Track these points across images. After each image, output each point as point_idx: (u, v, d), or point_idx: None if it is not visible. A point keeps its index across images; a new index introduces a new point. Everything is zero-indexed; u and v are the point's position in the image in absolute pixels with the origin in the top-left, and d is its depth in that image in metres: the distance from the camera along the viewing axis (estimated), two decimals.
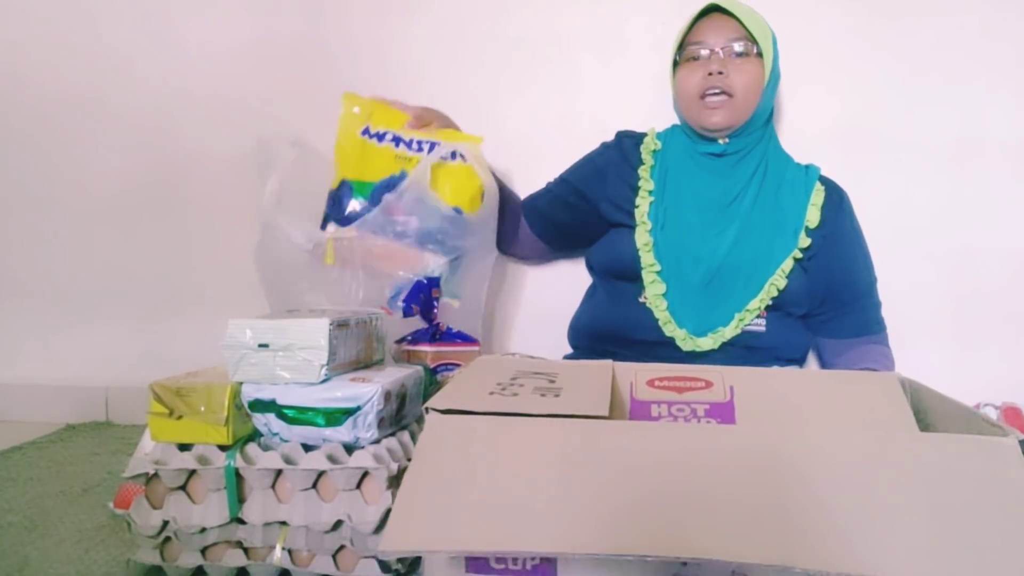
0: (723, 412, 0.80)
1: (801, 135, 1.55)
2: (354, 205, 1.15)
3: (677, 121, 1.32)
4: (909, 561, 0.55)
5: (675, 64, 1.21)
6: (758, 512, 0.58)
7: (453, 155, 1.15)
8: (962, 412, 0.72)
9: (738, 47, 1.14)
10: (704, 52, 1.16)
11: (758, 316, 1.16)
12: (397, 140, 1.17)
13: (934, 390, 0.81)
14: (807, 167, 1.27)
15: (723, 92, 1.14)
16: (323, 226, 1.17)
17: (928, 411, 0.79)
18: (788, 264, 1.16)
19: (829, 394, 0.84)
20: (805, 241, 1.18)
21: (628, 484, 0.61)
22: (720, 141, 1.20)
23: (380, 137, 1.17)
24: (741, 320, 1.15)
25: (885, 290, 1.39)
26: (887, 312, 1.33)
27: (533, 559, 0.62)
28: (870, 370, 1.05)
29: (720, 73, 1.13)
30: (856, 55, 1.54)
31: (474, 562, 0.63)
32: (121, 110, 1.81)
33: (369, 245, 1.11)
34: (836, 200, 1.23)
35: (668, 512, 0.58)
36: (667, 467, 0.62)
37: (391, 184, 1.12)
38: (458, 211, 1.12)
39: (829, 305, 1.22)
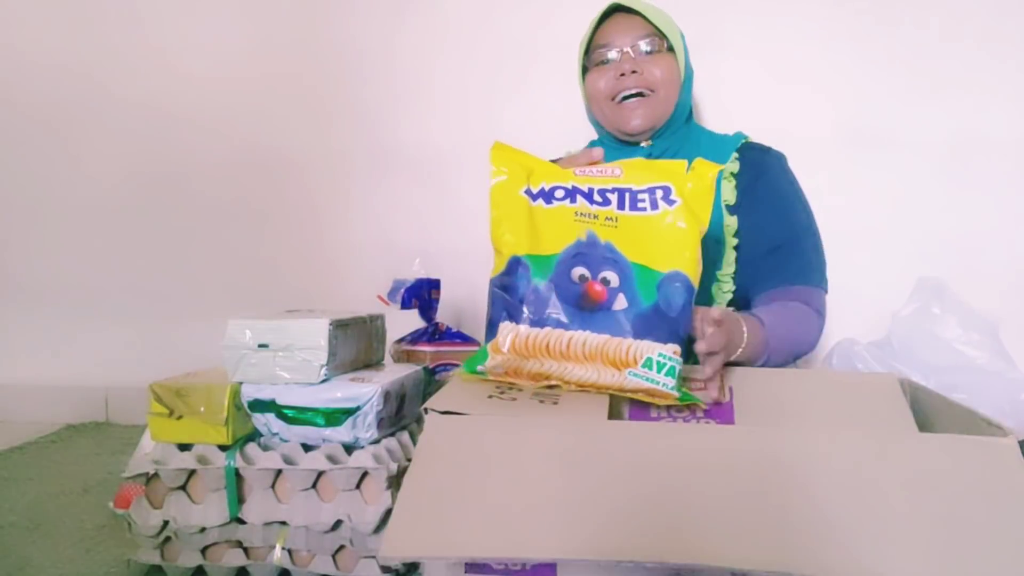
0: (722, 413, 0.80)
1: (801, 137, 1.55)
2: (535, 290, 0.80)
3: (594, 134, 1.25)
4: (909, 562, 0.55)
5: (584, 70, 1.15)
6: (756, 515, 0.58)
7: (655, 202, 0.81)
8: (962, 412, 0.72)
9: (647, 45, 1.08)
10: (612, 54, 1.09)
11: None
12: (572, 194, 0.82)
13: (934, 390, 0.81)
14: (734, 138, 1.18)
15: (640, 92, 1.08)
16: (490, 331, 0.81)
17: (928, 411, 0.79)
18: (730, 255, 1.10)
19: (828, 394, 0.84)
20: (732, 221, 1.10)
21: (627, 485, 0.60)
22: (643, 144, 1.14)
23: (548, 196, 0.83)
24: None
25: (885, 290, 1.39)
26: (884, 311, 1.33)
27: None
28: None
29: (634, 72, 1.07)
30: (856, 58, 1.55)
31: (473, 563, 0.63)
32: (121, 112, 1.81)
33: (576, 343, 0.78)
34: (753, 165, 1.13)
35: (666, 516, 0.58)
36: (666, 468, 0.62)
37: (579, 254, 0.80)
38: (677, 277, 0.79)
39: (754, 259, 1.10)
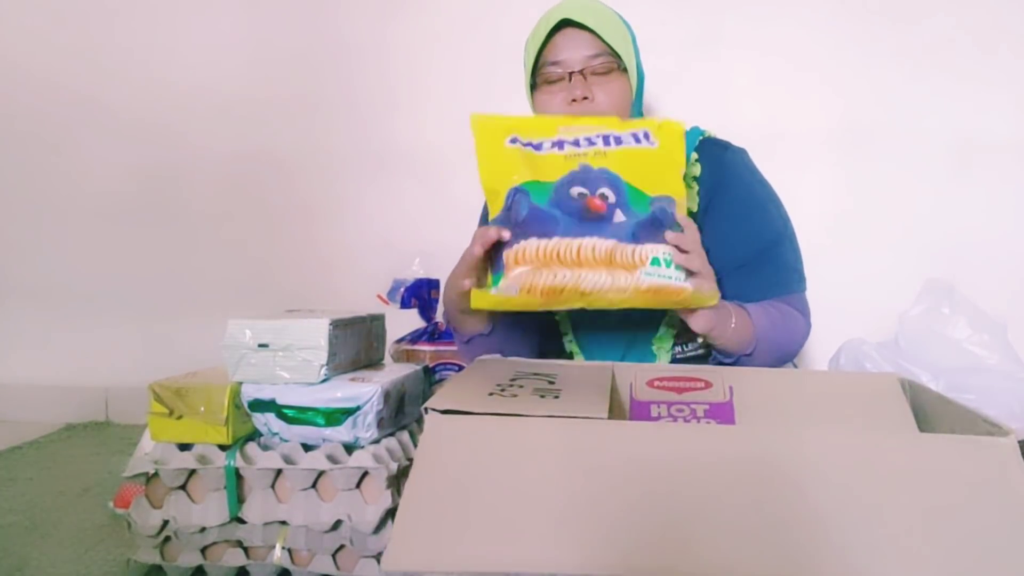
0: (722, 412, 0.80)
1: (800, 137, 1.55)
2: (537, 209, 0.84)
3: None
4: (909, 564, 0.55)
5: (532, 87, 1.05)
6: (757, 517, 0.58)
7: (638, 138, 0.88)
8: (962, 412, 0.72)
9: (598, 65, 1.00)
10: (562, 72, 1.01)
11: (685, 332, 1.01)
12: (559, 143, 0.87)
13: (934, 390, 0.81)
14: (690, 134, 1.07)
15: None
16: (496, 263, 0.82)
17: (928, 411, 0.79)
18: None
19: (828, 394, 0.84)
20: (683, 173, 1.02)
21: (628, 489, 0.60)
22: None
23: (537, 147, 0.87)
24: (661, 346, 1.02)
25: (889, 291, 1.39)
26: (889, 312, 1.33)
27: None
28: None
29: (585, 98, 0.99)
30: (856, 58, 1.54)
31: None
32: (122, 111, 1.81)
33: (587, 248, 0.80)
34: (714, 166, 1.05)
35: (668, 525, 0.58)
36: (667, 468, 0.62)
37: (575, 178, 0.84)
38: (666, 199, 0.84)
39: (727, 272, 1.02)
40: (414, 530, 0.59)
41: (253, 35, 1.77)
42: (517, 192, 0.84)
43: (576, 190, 0.83)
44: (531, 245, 0.80)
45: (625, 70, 1.02)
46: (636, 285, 0.79)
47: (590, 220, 0.81)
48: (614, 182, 0.84)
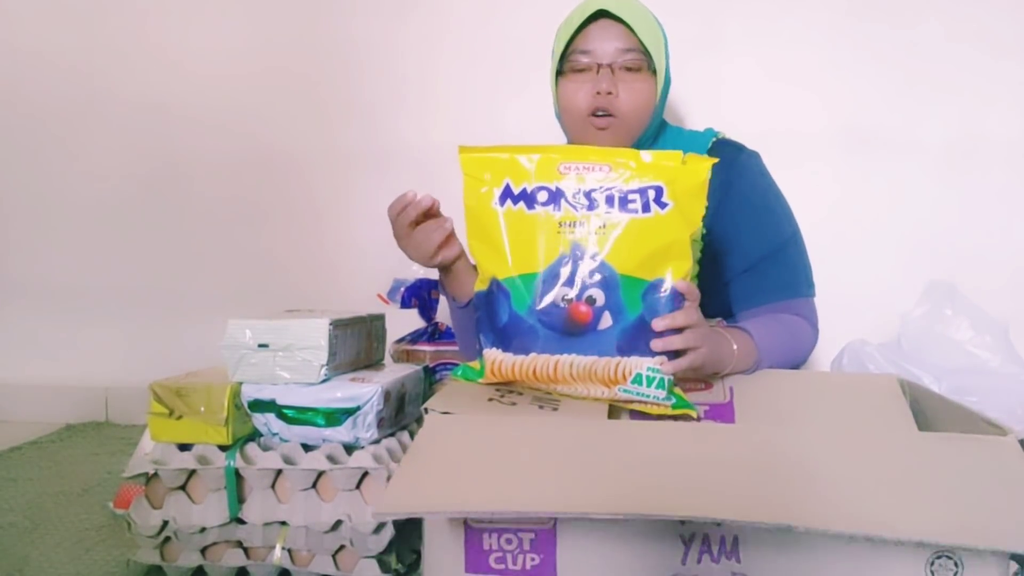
0: (723, 413, 0.80)
1: (800, 137, 1.55)
2: (516, 319, 0.78)
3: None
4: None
5: (557, 73, 1.04)
6: (757, 494, 0.58)
7: (647, 203, 0.77)
8: (961, 412, 0.72)
9: (629, 61, 0.99)
10: (591, 64, 1.00)
11: None
12: (556, 198, 0.78)
13: (932, 391, 0.81)
14: (704, 135, 1.09)
15: (609, 114, 1.00)
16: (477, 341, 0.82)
17: (928, 411, 0.79)
18: (692, 271, 1.01)
19: (828, 395, 0.84)
20: (698, 235, 1.03)
21: (626, 473, 0.61)
22: None
23: (530, 200, 0.78)
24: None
25: (889, 291, 1.39)
26: (890, 313, 1.32)
27: (533, 559, 0.62)
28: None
29: (609, 93, 0.98)
30: (854, 58, 1.54)
31: (473, 562, 0.63)
32: (121, 111, 1.81)
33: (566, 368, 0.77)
34: (725, 170, 1.02)
35: (667, 480, 0.58)
36: (666, 465, 0.62)
37: (562, 273, 0.77)
38: (662, 286, 0.77)
39: (734, 276, 1.05)
40: (410, 480, 0.60)
41: (258, 33, 1.76)
42: (498, 288, 0.79)
43: (561, 293, 0.76)
44: (508, 361, 0.78)
45: (654, 71, 1.01)
46: (613, 397, 0.77)
47: (571, 334, 0.76)
48: (606, 280, 0.76)
